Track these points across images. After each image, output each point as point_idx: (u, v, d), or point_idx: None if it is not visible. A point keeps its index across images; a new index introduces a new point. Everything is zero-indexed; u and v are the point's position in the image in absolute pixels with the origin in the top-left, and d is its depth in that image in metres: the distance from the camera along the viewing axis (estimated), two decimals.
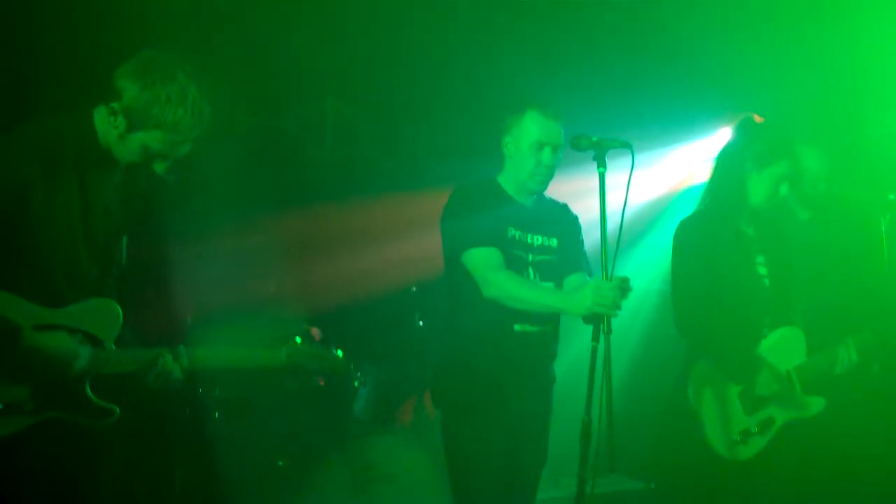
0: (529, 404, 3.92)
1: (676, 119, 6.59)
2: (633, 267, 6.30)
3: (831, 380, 4.07)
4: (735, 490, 3.95)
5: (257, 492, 5.34)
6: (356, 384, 5.96)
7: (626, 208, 3.38)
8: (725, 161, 4.16)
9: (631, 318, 6.41)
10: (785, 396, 3.98)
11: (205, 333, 4.11)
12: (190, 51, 3.25)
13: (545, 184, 3.95)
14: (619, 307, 3.38)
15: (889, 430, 4.32)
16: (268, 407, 5.59)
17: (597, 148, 3.43)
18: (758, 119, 6.72)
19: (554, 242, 3.98)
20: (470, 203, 3.88)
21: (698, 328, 4.01)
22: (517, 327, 3.81)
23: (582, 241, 4.09)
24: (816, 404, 4.03)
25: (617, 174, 3.52)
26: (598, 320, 3.34)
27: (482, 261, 3.76)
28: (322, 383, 5.92)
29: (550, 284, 3.90)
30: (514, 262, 3.83)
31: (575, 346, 4.11)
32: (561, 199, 4.15)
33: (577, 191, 4.31)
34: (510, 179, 3.98)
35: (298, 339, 3.53)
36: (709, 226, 4.08)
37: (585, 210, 4.13)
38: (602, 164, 3.42)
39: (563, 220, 4.08)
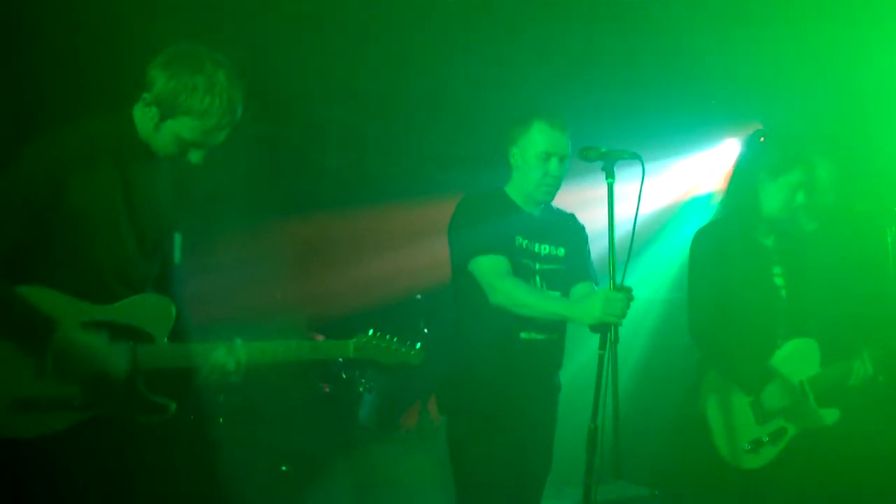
0: (535, 412, 3.93)
1: (682, 129, 6.61)
2: (639, 276, 6.32)
3: (845, 391, 4.05)
4: (744, 499, 3.96)
5: (262, 497, 5.36)
6: (361, 390, 5.98)
7: (636, 219, 3.40)
8: (740, 171, 4.17)
9: (636, 327, 6.43)
10: (796, 408, 3.97)
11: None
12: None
13: (552, 194, 3.97)
14: (625, 316, 3.40)
15: None
16: (273, 412, 5.60)
17: (605, 159, 3.44)
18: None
19: (561, 252, 3.99)
20: (478, 211, 3.90)
21: (711, 337, 4.01)
22: (523, 335, 3.83)
23: (589, 251, 4.11)
24: (830, 416, 4.02)
25: (624, 185, 3.55)
26: (606, 329, 3.36)
27: (490, 268, 3.78)
28: (327, 389, 5.94)
29: (557, 293, 3.92)
30: (521, 271, 3.84)
31: (580, 355, 4.12)
32: (568, 210, 4.17)
33: (584, 201, 4.32)
34: (517, 189, 4.00)
35: (371, 332, 3.47)
36: (724, 236, 4.08)
37: (592, 220, 4.14)
38: (611, 175, 3.43)
39: (570, 230, 4.10)
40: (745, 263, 4.03)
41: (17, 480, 2.97)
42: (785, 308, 4.07)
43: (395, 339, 3.52)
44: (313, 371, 5.86)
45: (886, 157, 5.19)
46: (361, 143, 6.83)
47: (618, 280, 3.40)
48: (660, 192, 6.88)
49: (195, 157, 3.13)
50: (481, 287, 3.79)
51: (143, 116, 3.10)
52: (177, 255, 3.30)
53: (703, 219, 6.76)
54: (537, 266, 3.92)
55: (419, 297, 6.20)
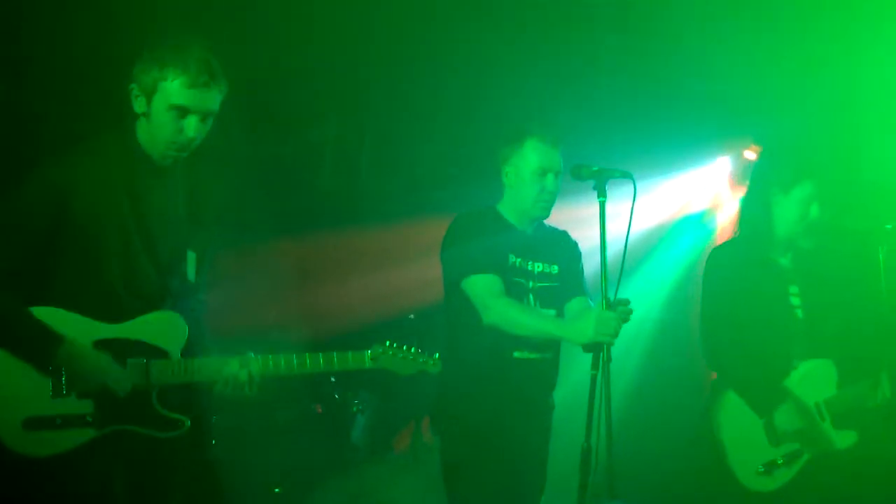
0: (529, 431, 3.92)
1: (674, 147, 6.62)
2: (631, 295, 6.27)
3: (863, 413, 3.98)
4: None
5: None
6: (354, 411, 5.96)
7: (628, 237, 3.41)
8: (752, 189, 4.16)
9: (629, 347, 6.42)
10: (811, 431, 3.92)
11: None
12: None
13: (548, 210, 3.97)
14: (618, 336, 3.40)
15: None
16: (265, 433, 5.58)
17: (597, 177, 3.45)
18: (755, 149, 6.80)
19: (555, 269, 3.99)
20: (470, 230, 3.90)
21: (723, 358, 3.99)
22: (517, 354, 3.82)
23: (582, 267, 4.11)
24: (847, 438, 3.96)
25: (616, 203, 3.55)
26: (599, 349, 3.35)
27: (483, 288, 3.77)
28: (319, 410, 5.92)
29: (552, 312, 3.91)
30: (515, 289, 3.84)
31: (573, 375, 4.11)
32: (560, 228, 4.17)
33: (576, 219, 4.33)
34: (510, 208, 4.00)
35: (387, 343, 3.47)
36: (739, 255, 4.06)
37: (584, 239, 4.15)
38: (602, 194, 3.44)
39: (563, 247, 4.10)
40: (760, 283, 4.00)
41: (34, 500, 3.01)
42: (801, 328, 4.04)
43: (412, 350, 3.53)
44: (306, 392, 5.84)
45: (877, 175, 5.20)
46: (355, 163, 6.83)
47: (610, 299, 3.40)
48: (652, 210, 6.87)
49: (191, 125, 3.11)
50: (474, 306, 3.79)
51: (142, 125, 3.15)
52: (191, 273, 3.29)
53: (696, 237, 6.82)
54: (531, 284, 3.92)
55: (412, 316, 6.18)
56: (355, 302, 6.30)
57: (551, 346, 3.92)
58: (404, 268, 6.28)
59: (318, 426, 5.85)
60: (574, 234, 4.19)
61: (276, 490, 5.50)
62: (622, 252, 3.40)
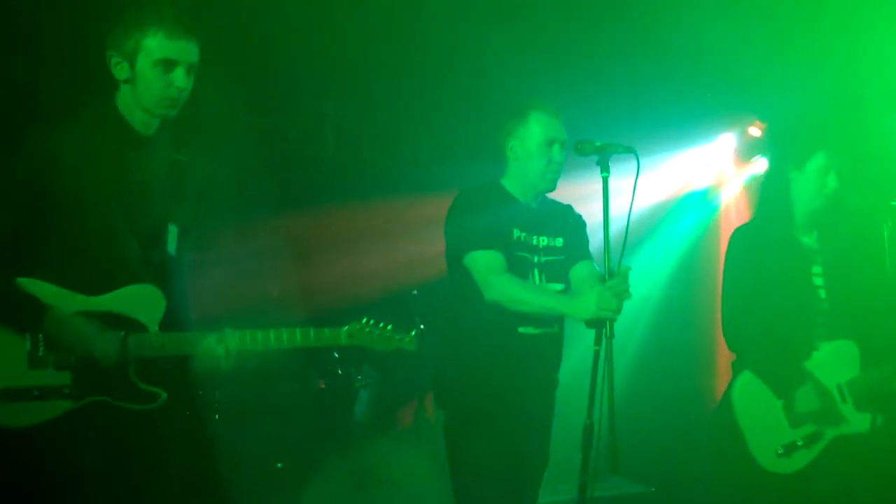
0: (533, 406, 3.91)
1: (678, 124, 6.60)
2: (634, 272, 6.29)
3: (886, 395, 3.91)
4: None
5: (256, 494, 5.34)
6: (357, 386, 5.96)
7: (630, 213, 3.40)
8: (769, 168, 4.13)
9: (632, 323, 6.42)
10: (831, 412, 3.87)
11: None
12: None
13: (555, 182, 3.94)
14: (620, 311, 3.39)
15: None
16: (268, 409, 5.59)
17: (600, 153, 3.44)
18: (759, 126, 6.77)
19: (559, 242, 3.97)
20: (474, 205, 3.88)
21: (744, 339, 3.96)
22: (521, 329, 3.81)
23: (587, 238, 4.07)
24: (869, 420, 3.89)
25: (619, 179, 3.53)
26: (601, 325, 3.34)
27: (484, 264, 3.76)
28: (322, 386, 5.93)
29: (559, 286, 3.90)
30: (520, 264, 3.82)
31: (575, 351, 4.11)
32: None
33: (579, 195, 4.30)
34: (516, 181, 3.98)
35: (364, 319, 3.46)
36: (762, 235, 4.02)
37: (588, 215, 4.13)
38: (605, 169, 3.42)
39: (567, 219, 4.08)
40: (782, 263, 3.96)
41: (10, 470, 3.00)
42: (823, 309, 3.99)
43: (388, 327, 3.51)
44: (309, 367, 5.84)
45: (883, 151, 5.17)
46: (357, 137, 6.81)
47: (614, 273, 3.38)
48: (655, 187, 6.86)
49: (179, 76, 3.11)
50: (476, 282, 3.78)
51: (124, 93, 3.15)
52: (171, 246, 3.28)
53: (699, 214, 6.81)
54: (536, 259, 3.90)
55: (415, 292, 6.18)
56: (357, 277, 6.29)
57: (557, 321, 3.90)
58: (408, 243, 6.28)
59: (320, 402, 5.85)
60: (577, 210, 4.17)
61: (279, 465, 5.51)
62: (625, 228, 3.38)
